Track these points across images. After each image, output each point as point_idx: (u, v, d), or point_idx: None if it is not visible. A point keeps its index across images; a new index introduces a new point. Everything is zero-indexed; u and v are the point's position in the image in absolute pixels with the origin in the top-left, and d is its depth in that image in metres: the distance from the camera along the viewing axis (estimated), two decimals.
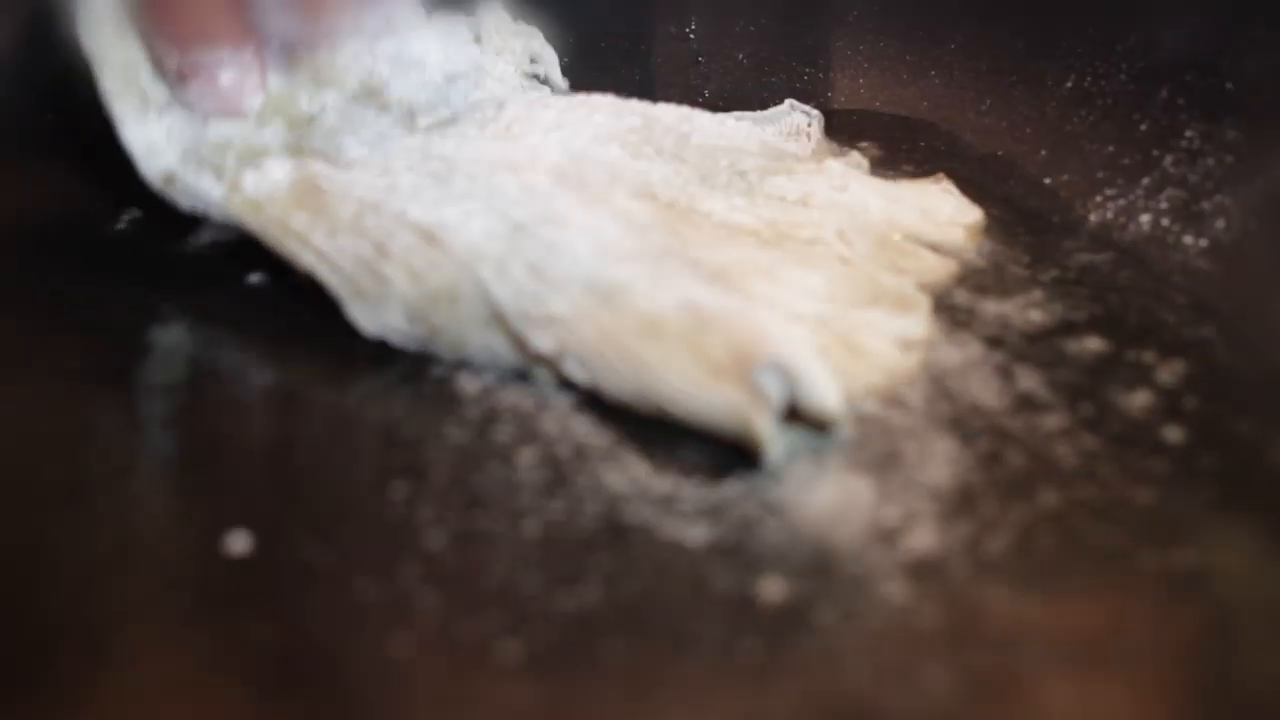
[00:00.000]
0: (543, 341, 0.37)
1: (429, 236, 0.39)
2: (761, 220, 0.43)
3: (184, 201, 0.42)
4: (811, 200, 0.45)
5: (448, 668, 0.30)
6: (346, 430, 0.37)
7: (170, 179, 0.42)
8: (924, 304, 0.41)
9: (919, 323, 0.41)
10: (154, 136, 0.42)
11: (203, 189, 0.42)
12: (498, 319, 0.38)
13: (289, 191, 0.41)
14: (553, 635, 0.31)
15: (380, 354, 0.39)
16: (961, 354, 0.40)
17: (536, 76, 0.52)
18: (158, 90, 0.43)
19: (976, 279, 0.44)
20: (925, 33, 0.52)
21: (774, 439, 0.35)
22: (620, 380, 0.37)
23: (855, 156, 0.50)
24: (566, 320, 0.37)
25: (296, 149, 0.42)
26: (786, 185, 0.45)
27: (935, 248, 0.44)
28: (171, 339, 0.41)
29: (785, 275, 0.40)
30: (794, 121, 0.51)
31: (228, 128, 0.43)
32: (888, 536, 0.33)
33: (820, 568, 0.33)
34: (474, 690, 0.30)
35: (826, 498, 0.34)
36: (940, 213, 0.46)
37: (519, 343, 0.38)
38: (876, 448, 0.36)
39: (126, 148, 0.43)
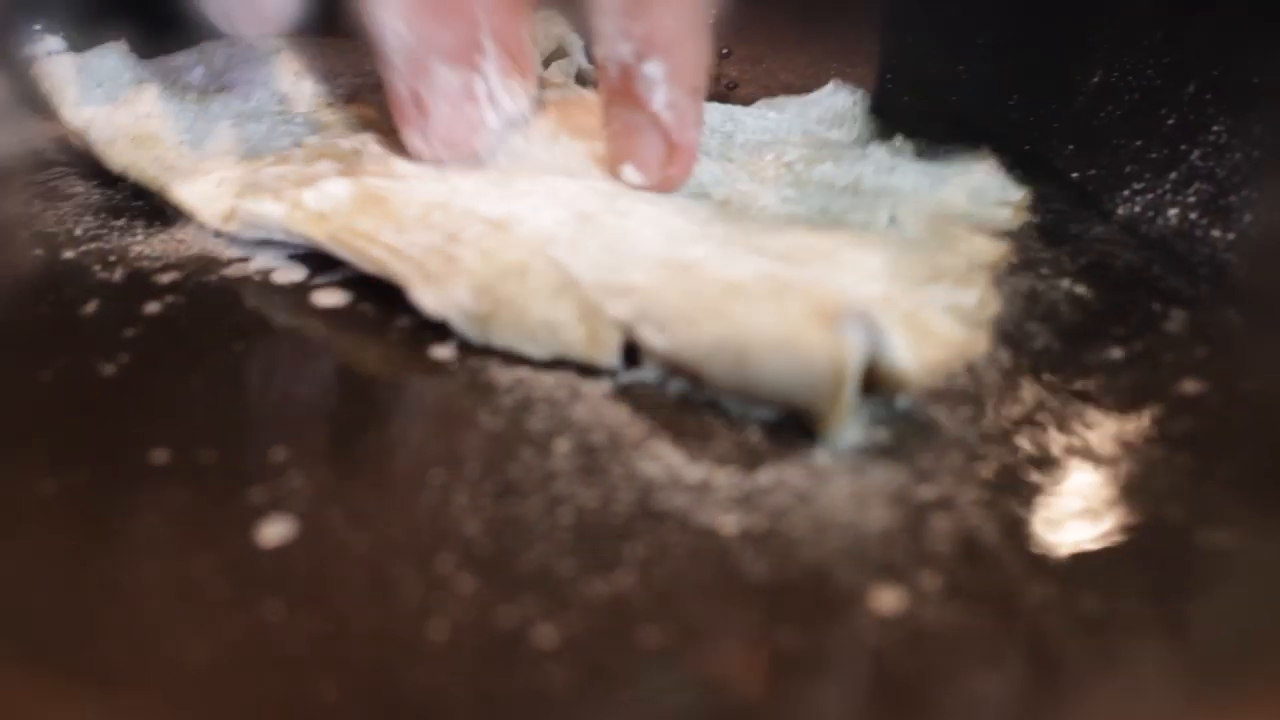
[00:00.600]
0: (619, 308, 0.38)
1: (500, 225, 0.41)
2: (813, 208, 0.44)
3: (244, 232, 0.44)
4: (860, 185, 0.46)
5: (484, 652, 0.30)
6: (382, 420, 0.37)
7: (229, 216, 0.44)
8: (984, 281, 0.42)
9: (982, 299, 0.41)
10: (205, 190, 0.45)
11: (264, 212, 0.43)
12: (569, 288, 0.39)
13: (351, 202, 0.42)
14: (587, 620, 0.31)
15: (417, 346, 0.40)
16: (988, 348, 0.39)
17: (561, 62, 0.52)
18: (186, 158, 0.47)
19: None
20: (952, 27, 0.52)
21: (852, 397, 0.36)
22: (702, 338, 0.37)
23: (898, 140, 0.50)
24: (646, 288, 0.38)
25: (349, 174, 0.44)
26: (834, 172, 0.46)
27: (985, 229, 0.45)
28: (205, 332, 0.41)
29: (845, 258, 0.40)
30: (838, 103, 0.52)
31: (280, 169, 0.45)
32: (920, 525, 0.33)
33: (852, 557, 0.32)
34: (510, 674, 0.30)
35: (860, 487, 0.34)
36: (988, 193, 0.47)
37: (590, 311, 0.38)
38: (911, 438, 0.36)
39: (181, 206, 0.46)
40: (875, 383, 0.37)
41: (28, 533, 0.33)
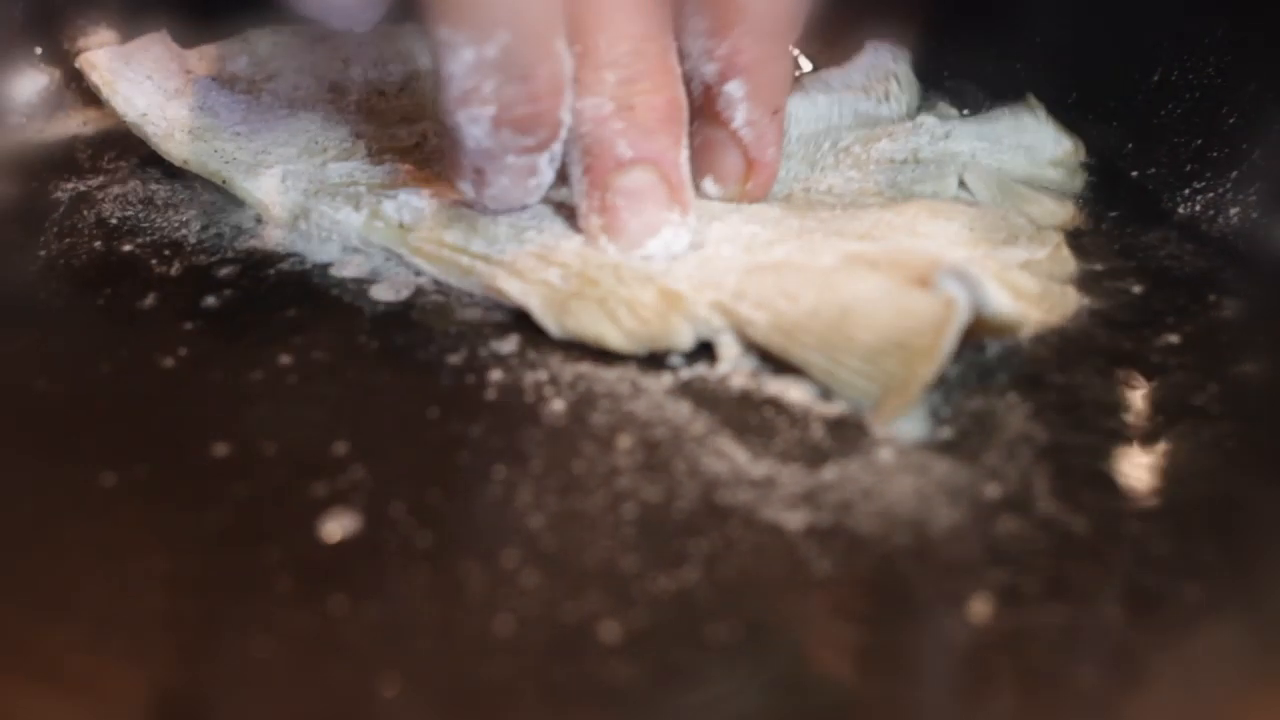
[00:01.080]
0: (713, 294, 0.39)
1: (595, 247, 0.41)
2: (880, 184, 0.45)
3: (316, 233, 0.45)
4: (920, 156, 0.47)
5: (550, 647, 0.30)
6: (444, 414, 0.37)
7: (301, 215, 0.45)
8: (1060, 240, 0.43)
9: (1061, 258, 0.42)
10: (271, 185, 0.45)
11: (342, 219, 0.44)
12: (657, 280, 0.39)
13: (434, 217, 0.43)
14: (653, 617, 0.31)
15: (478, 340, 0.40)
16: (1049, 348, 0.39)
17: None
18: (245, 150, 0.47)
19: None
20: (1009, 24, 0.52)
21: (948, 352, 0.36)
22: (803, 304, 0.38)
23: (944, 106, 0.51)
24: (737, 284, 0.38)
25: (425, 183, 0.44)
26: (892, 148, 0.47)
27: (1048, 189, 0.46)
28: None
29: (923, 228, 0.41)
30: (880, 63, 0.52)
31: (346, 166, 0.45)
32: (987, 523, 0.33)
33: (920, 554, 0.32)
34: (576, 669, 0.30)
35: (924, 484, 0.33)
36: (1043, 150, 0.48)
37: (674, 298, 0.39)
38: (973, 435, 0.36)
39: (247, 201, 0.46)
40: (984, 331, 0.37)
41: (88, 525, 0.34)
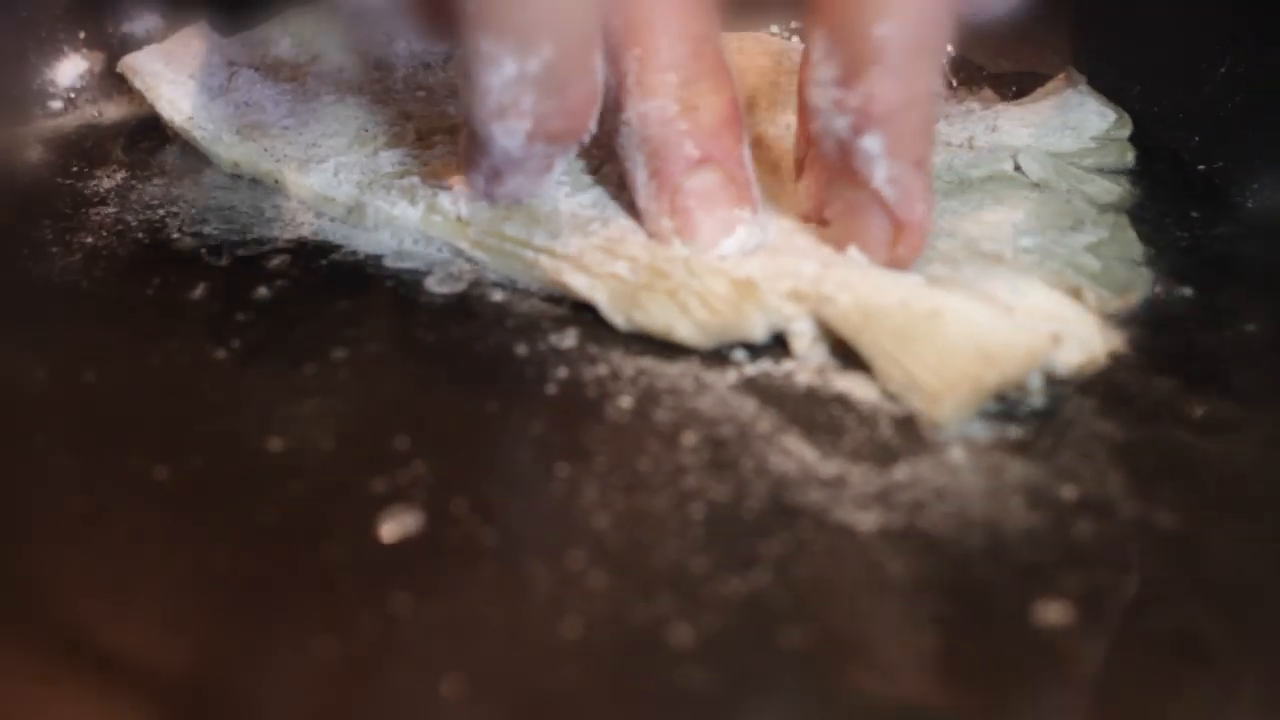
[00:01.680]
0: (790, 282, 0.38)
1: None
2: (936, 168, 0.44)
3: (370, 224, 0.44)
4: (975, 142, 0.46)
5: (620, 651, 0.29)
6: (504, 409, 0.36)
7: (355, 209, 0.44)
8: (1125, 222, 0.42)
9: (1126, 240, 0.42)
10: (324, 180, 0.45)
11: (398, 214, 0.43)
12: (728, 272, 0.39)
13: (492, 208, 0.42)
14: (725, 620, 0.30)
15: (537, 334, 0.39)
16: (1120, 341, 0.38)
17: None
18: (296, 144, 0.47)
19: None
20: (1071, 19, 0.50)
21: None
22: (892, 295, 0.37)
23: (987, 92, 0.51)
24: (817, 272, 0.38)
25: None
26: (947, 131, 0.47)
27: (1101, 168, 0.46)
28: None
29: (988, 216, 0.41)
30: None
31: (397, 153, 0.45)
32: (1063, 526, 0.32)
33: (995, 557, 0.31)
34: (647, 674, 0.29)
35: (997, 485, 0.32)
36: (1088, 127, 0.47)
37: (747, 288, 0.38)
38: (1045, 434, 0.35)
39: (301, 198, 0.45)
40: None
41: (143, 521, 0.33)
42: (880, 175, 0.37)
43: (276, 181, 0.46)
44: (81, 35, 0.53)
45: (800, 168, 0.41)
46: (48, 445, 0.35)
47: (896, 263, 0.38)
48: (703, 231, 0.40)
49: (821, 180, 0.39)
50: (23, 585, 0.31)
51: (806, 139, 0.39)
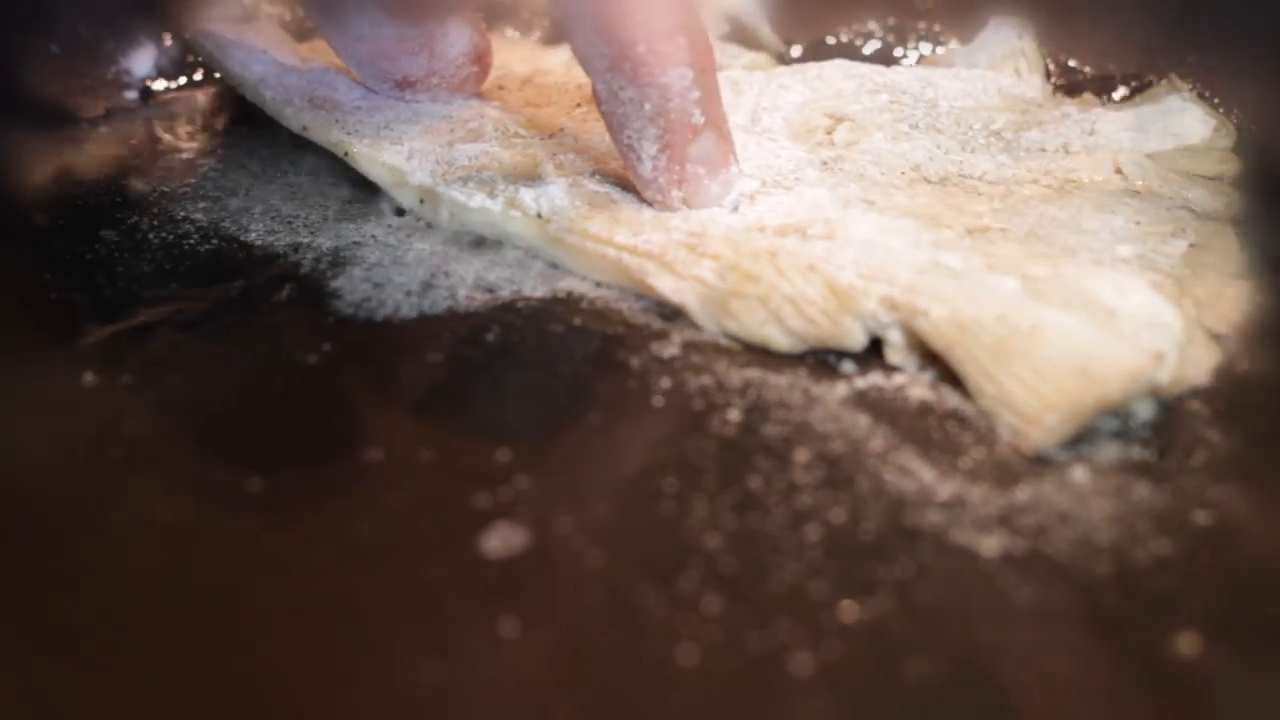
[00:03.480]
0: (885, 289, 0.37)
1: (746, 229, 0.39)
2: (1033, 171, 0.43)
3: (444, 218, 0.43)
4: (1071, 147, 0.45)
5: (738, 680, 0.28)
6: (608, 421, 0.35)
7: (427, 197, 0.43)
8: (1226, 231, 0.41)
9: (1230, 247, 0.40)
10: (396, 163, 0.43)
11: (475, 204, 0.42)
12: (819, 269, 0.37)
13: (574, 206, 0.41)
14: (847, 647, 0.29)
15: (638, 343, 0.38)
16: (1223, 353, 0.37)
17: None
18: (367, 124, 0.46)
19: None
20: (1175, 25, 0.49)
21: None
22: (989, 309, 0.36)
23: (1086, 95, 0.50)
24: (912, 280, 0.37)
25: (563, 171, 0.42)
26: (1042, 137, 0.45)
27: (1202, 174, 0.44)
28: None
29: (1087, 224, 0.40)
30: (1004, 41, 0.51)
31: (474, 148, 0.43)
32: (1196, 555, 0.31)
33: (1125, 586, 0.30)
34: (767, 705, 0.28)
35: (1124, 509, 0.31)
36: (1190, 134, 0.46)
37: (841, 292, 0.37)
38: (1172, 455, 0.34)
39: (373, 178, 0.44)
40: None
41: (237, 535, 0.32)
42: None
43: (346, 154, 0.44)
44: (158, 26, 0.51)
45: None
46: (131, 455, 0.34)
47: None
48: (709, 195, 0.40)
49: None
50: (107, 598, 0.31)
51: None
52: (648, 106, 0.38)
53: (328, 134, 0.44)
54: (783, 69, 0.49)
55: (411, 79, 0.45)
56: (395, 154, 0.43)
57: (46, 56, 0.50)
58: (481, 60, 0.45)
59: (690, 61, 0.38)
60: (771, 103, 0.45)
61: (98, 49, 0.51)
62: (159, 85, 0.52)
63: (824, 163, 0.43)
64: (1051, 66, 0.51)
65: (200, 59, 0.51)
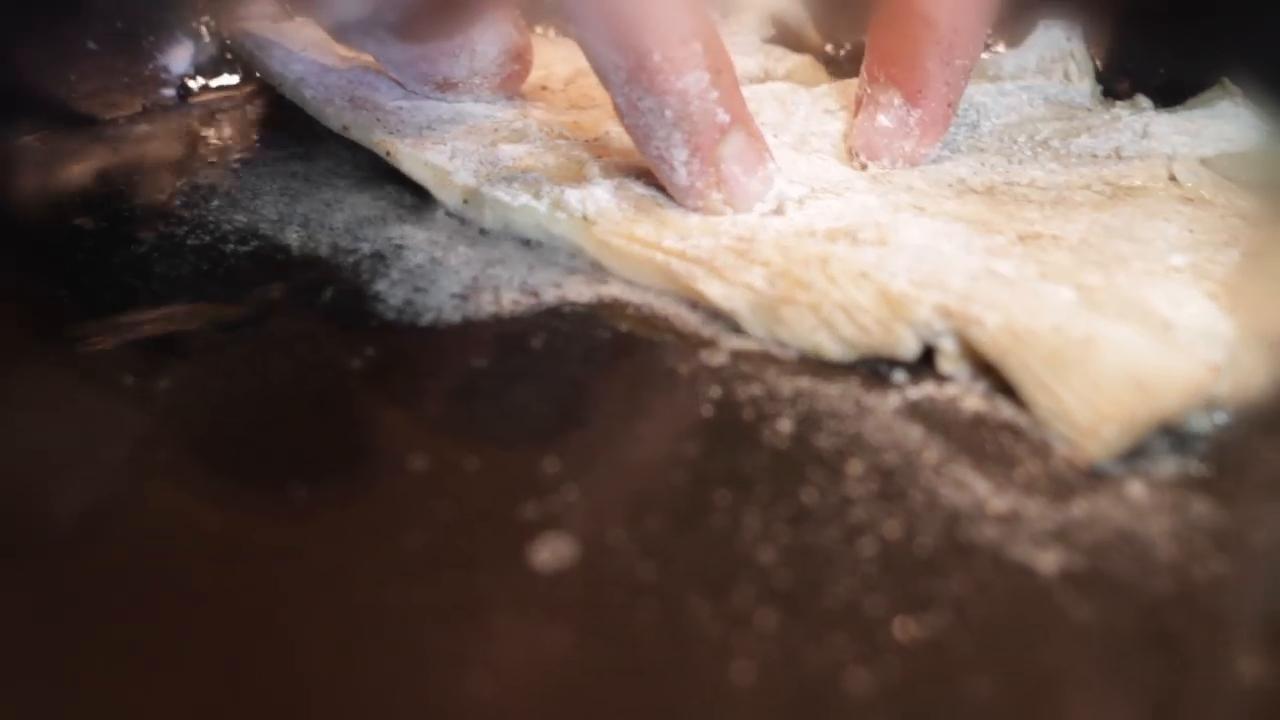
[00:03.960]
0: (939, 296, 0.36)
1: (796, 233, 0.39)
2: (1085, 178, 0.42)
3: (488, 220, 0.43)
4: (1122, 152, 0.44)
5: (795, 698, 0.28)
6: (658, 431, 0.35)
7: (470, 198, 0.43)
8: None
9: None
10: (439, 162, 0.43)
11: (520, 205, 0.42)
12: (871, 277, 0.37)
13: (621, 209, 0.41)
14: (906, 665, 0.28)
15: (687, 351, 0.37)
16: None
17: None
18: (408, 124, 0.45)
19: None
20: (1229, 29, 0.48)
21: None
22: (1045, 319, 0.35)
23: (1140, 98, 0.49)
24: (965, 288, 0.36)
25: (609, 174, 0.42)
26: (1092, 144, 0.45)
27: (1256, 181, 0.44)
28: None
29: (1141, 232, 0.39)
30: (1054, 43, 0.50)
31: (518, 149, 0.43)
32: (1258, 576, 0.31)
33: (1187, 605, 0.30)
34: None
35: (1183, 526, 0.30)
36: (1243, 139, 0.45)
37: (893, 300, 0.36)
38: (1231, 472, 0.33)
39: (415, 178, 0.43)
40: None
41: (282, 544, 0.31)
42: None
43: (388, 154, 0.44)
44: (196, 23, 0.51)
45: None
46: (172, 461, 0.34)
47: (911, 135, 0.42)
48: (749, 194, 0.40)
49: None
50: (147, 608, 0.30)
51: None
52: (669, 113, 0.38)
53: (369, 134, 0.44)
54: (826, 86, 0.48)
55: (453, 80, 0.44)
56: (438, 154, 0.42)
57: (83, 53, 0.49)
58: (522, 58, 0.45)
59: (706, 64, 0.38)
60: (820, 128, 0.45)
61: (135, 46, 0.50)
62: (197, 83, 0.51)
63: (872, 176, 0.42)
64: (1100, 69, 0.50)
65: (239, 57, 0.50)
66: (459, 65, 0.44)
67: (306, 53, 0.48)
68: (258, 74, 0.50)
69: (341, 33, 0.44)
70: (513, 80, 0.45)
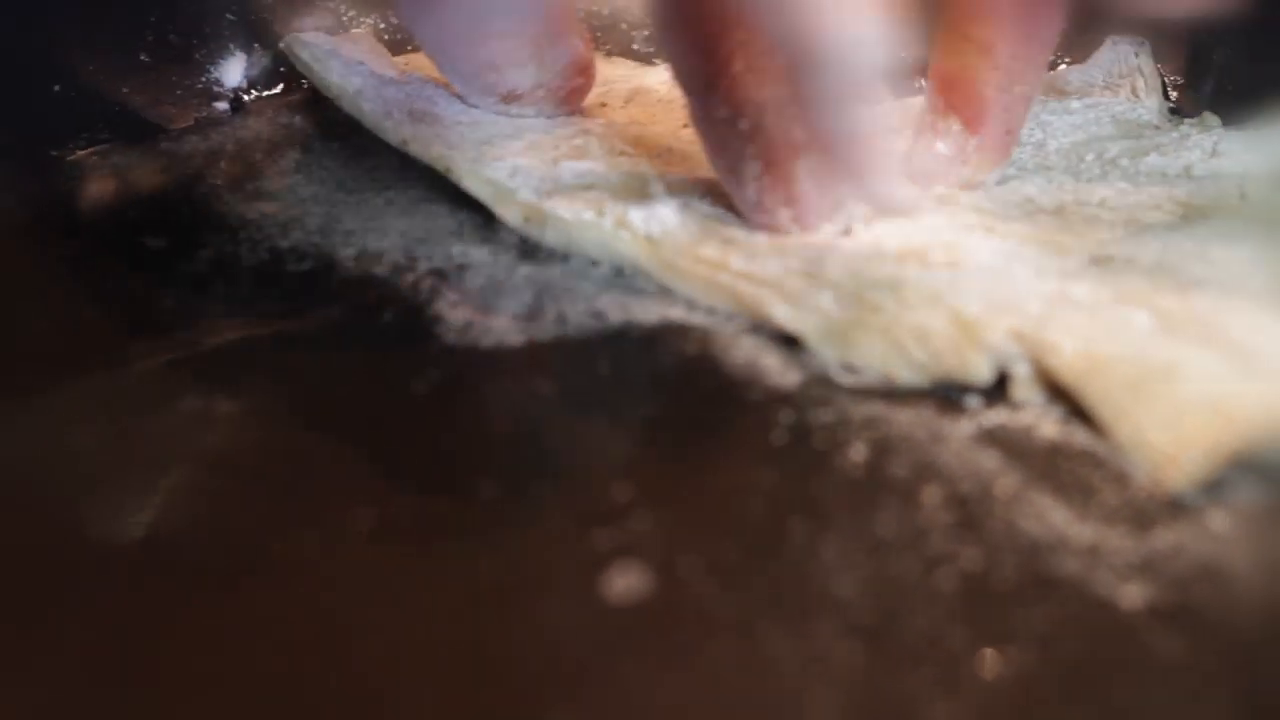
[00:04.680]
0: (1014, 320, 0.36)
1: (866, 257, 0.39)
2: (1155, 198, 0.42)
3: (549, 238, 0.42)
4: (1193, 171, 0.44)
5: None
6: (730, 457, 0.34)
7: (531, 215, 0.42)
8: None
9: None
10: (499, 179, 0.42)
11: (585, 224, 0.41)
12: (944, 299, 0.37)
13: (686, 228, 0.40)
14: (990, 701, 0.28)
15: (756, 376, 0.37)
16: None
17: None
18: (468, 139, 0.44)
19: None
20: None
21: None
22: (1125, 346, 0.35)
23: (1208, 116, 0.48)
24: (1042, 311, 0.36)
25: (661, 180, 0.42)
26: (1162, 163, 0.44)
27: None
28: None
29: (1214, 253, 0.39)
30: (1121, 59, 0.50)
31: (580, 166, 0.42)
32: None
33: (1270, 637, 0.29)
34: None
35: (1271, 557, 0.30)
36: None
37: (967, 325, 0.36)
38: None
39: (475, 195, 0.43)
40: None
41: (349, 572, 0.31)
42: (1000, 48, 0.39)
43: (447, 170, 0.43)
44: (249, 35, 0.51)
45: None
46: (237, 484, 0.34)
47: (967, 164, 0.39)
48: (820, 215, 0.39)
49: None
50: (212, 634, 0.30)
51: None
52: (744, 124, 0.37)
53: (428, 149, 0.43)
54: (885, 105, 0.47)
55: (518, 92, 0.43)
56: (498, 170, 0.42)
57: (136, 65, 0.49)
58: (586, 72, 0.44)
59: (787, 78, 0.37)
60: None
61: (188, 58, 0.50)
62: (250, 95, 0.51)
63: (939, 196, 0.41)
64: (1167, 85, 0.49)
65: (295, 69, 0.49)
66: (526, 76, 0.43)
67: (364, 65, 0.47)
68: (309, 84, 0.49)
69: (422, 44, 0.44)
70: (576, 94, 0.44)
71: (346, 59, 0.47)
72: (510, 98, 0.44)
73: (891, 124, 0.44)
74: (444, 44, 0.43)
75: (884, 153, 0.38)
